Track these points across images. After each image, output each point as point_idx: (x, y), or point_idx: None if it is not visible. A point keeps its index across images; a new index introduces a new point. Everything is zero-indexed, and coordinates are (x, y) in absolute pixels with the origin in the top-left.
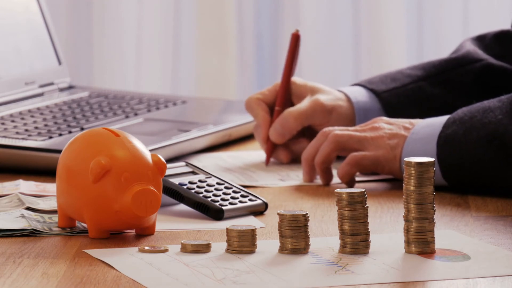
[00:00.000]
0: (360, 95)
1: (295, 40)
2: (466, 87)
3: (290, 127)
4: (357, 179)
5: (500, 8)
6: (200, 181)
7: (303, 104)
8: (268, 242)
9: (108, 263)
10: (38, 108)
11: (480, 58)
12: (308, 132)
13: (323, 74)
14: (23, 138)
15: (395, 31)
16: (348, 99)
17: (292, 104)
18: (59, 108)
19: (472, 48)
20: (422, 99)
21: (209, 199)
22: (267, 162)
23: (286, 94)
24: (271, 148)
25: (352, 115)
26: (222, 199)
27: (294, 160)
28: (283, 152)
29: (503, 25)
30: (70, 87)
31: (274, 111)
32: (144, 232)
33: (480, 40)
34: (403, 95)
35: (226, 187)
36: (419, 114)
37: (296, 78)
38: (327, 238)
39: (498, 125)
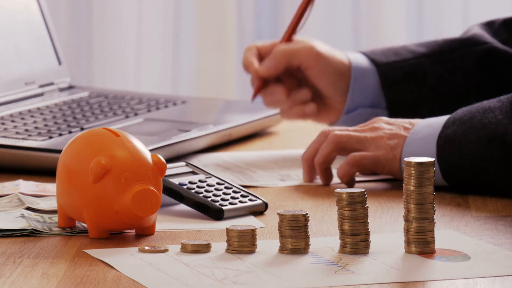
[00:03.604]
0: (360, 60)
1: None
2: (467, 68)
3: (275, 61)
4: (357, 179)
5: (500, 7)
6: (200, 181)
7: (295, 43)
8: (268, 242)
9: (108, 263)
10: (38, 108)
11: (486, 41)
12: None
13: None
14: (23, 138)
15: (395, 30)
16: (347, 57)
17: None
18: (59, 108)
19: (479, 31)
20: (420, 75)
21: (209, 199)
22: (254, 97)
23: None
24: (261, 83)
25: (347, 70)
26: (222, 199)
27: (294, 159)
28: (281, 88)
29: None
30: (70, 87)
31: None
32: (144, 232)
33: (489, 25)
34: (401, 69)
35: (226, 187)
36: (416, 90)
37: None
38: (327, 238)
39: (498, 125)
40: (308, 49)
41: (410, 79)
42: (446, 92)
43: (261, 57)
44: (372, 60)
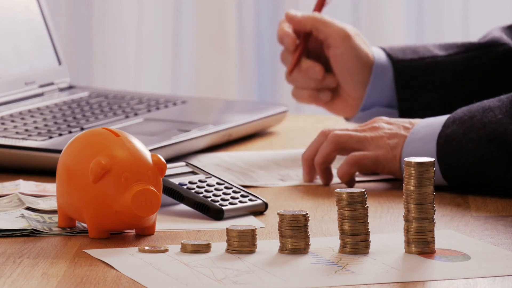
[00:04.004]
0: (380, 55)
1: None
2: (484, 68)
3: (302, 18)
4: (357, 179)
5: (500, 7)
6: (200, 181)
7: (329, 18)
8: (268, 242)
9: (108, 263)
10: (38, 108)
11: (503, 42)
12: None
13: None
14: (23, 138)
15: (395, 30)
16: (372, 53)
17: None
18: (59, 108)
19: (498, 33)
20: (436, 74)
21: (209, 199)
22: (291, 71)
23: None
24: (298, 56)
25: (369, 63)
26: (222, 199)
27: (294, 159)
28: (319, 67)
29: (503, 21)
30: (70, 87)
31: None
32: (144, 232)
33: (510, 28)
34: (417, 68)
35: (226, 187)
36: (431, 89)
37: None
38: (327, 238)
39: (498, 124)
40: (338, 27)
41: (425, 78)
42: (461, 92)
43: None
44: (389, 56)
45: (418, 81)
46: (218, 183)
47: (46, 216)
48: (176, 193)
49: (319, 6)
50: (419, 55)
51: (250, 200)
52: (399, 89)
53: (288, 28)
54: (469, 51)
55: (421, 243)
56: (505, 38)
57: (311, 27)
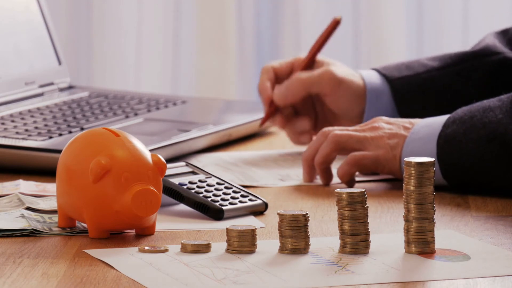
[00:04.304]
0: (373, 78)
1: (334, 25)
2: (480, 79)
3: (294, 90)
4: (357, 179)
5: (500, 7)
6: (200, 181)
7: (313, 71)
8: (268, 242)
9: (108, 263)
10: (38, 108)
11: (498, 52)
12: (319, 105)
13: None
14: (23, 138)
15: (395, 30)
16: (362, 78)
17: None
18: (59, 108)
19: (492, 41)
20: (433, 88)
21: (209, 199)
22: (262, 123)
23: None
24: (272, 111)
25: (363, 93)
26: (222, 199)
27: (294, 159)
28: (280, 118)
29: (504, 21)
30: (70, 87)
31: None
32: (144, 232)
33: (504, 34)
34: (414, 84)
35: (226, 187)
36: (430, 103)
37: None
38: (327, 238)
39: (498, 124)
40: (328, 76)
41: (423, 93)
42: (460, 105)
43: (277, 78)
44: (384, 75)
45: (416, 97)
46: (218, 183)
47: (46, 216)
48: (176, 193)
49: (311, 59)
50: (414, 71)
51: (250, 200)
52: (399, 106)
53: (267, 82)
54: (463, 62)
55: (421, 243)
56: (499, 46)
57: (305, 93)
